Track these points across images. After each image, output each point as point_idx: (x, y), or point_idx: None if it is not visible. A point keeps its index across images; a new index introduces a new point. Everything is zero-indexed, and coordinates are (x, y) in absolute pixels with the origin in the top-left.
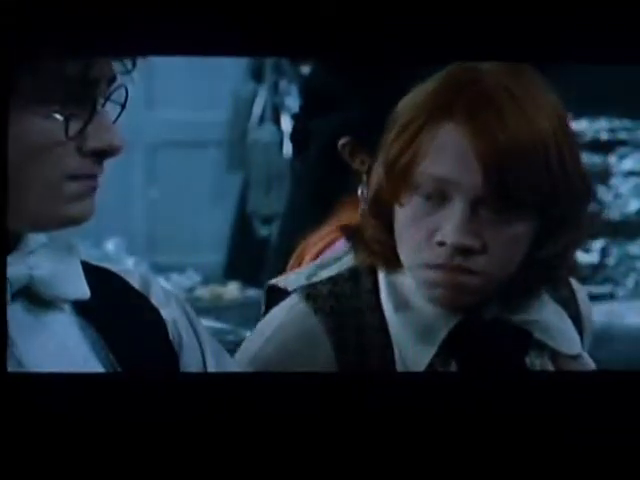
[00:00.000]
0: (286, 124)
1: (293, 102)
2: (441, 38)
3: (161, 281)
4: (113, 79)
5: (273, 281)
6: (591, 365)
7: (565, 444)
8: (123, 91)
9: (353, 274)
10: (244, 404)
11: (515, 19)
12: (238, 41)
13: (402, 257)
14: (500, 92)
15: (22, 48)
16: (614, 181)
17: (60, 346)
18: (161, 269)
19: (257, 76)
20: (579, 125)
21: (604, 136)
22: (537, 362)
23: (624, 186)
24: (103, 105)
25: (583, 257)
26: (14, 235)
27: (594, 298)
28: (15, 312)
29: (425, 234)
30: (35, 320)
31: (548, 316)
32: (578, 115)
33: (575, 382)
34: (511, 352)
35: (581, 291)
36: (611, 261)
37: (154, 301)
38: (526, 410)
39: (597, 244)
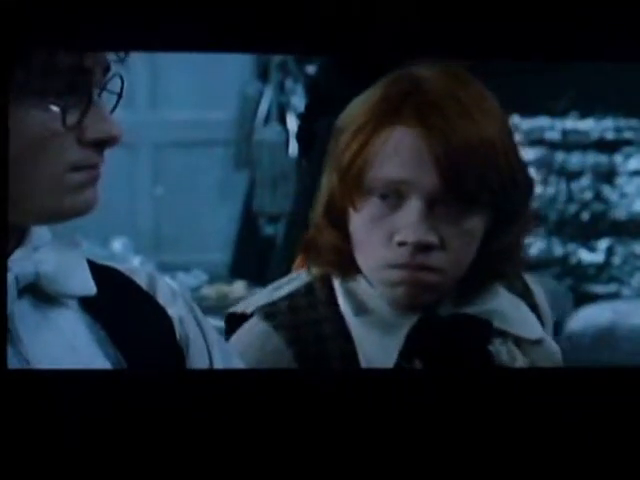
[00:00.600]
0: (292, 123)
1: (299, 101)
2: (444, 39)
3: (167, 280)
4: (108, 68)
5: (231, 309)
6: (556, 349)
7: (534, 436)
8: (119, 80)
9: (309, 288)
10: (251, 401)
11: (520, 17)
12: (240, 37)
13: (361, 261)
14: (446, 96)
15: (18, 42)
16: (619, 181)
17: (67, 343)
18: (167, 268)
19: (263, 75)
20: (585, 124)
21: (610, 135)
22: (502, 349)
23: (629, 186)
24: (99, 95)
25: (588, 256)
26: (19, 231)
27: (600, 297)
28: (22, 309)
29: (384, 236)
30: (42, 317)
31: (503, 304)
32: (584, 114)
33: (543, 374)
34: (473, 342)
35: (534, 283)
36: (617, 260)
37: (160, 299)
38: (494, 402)
39: (603, 243)
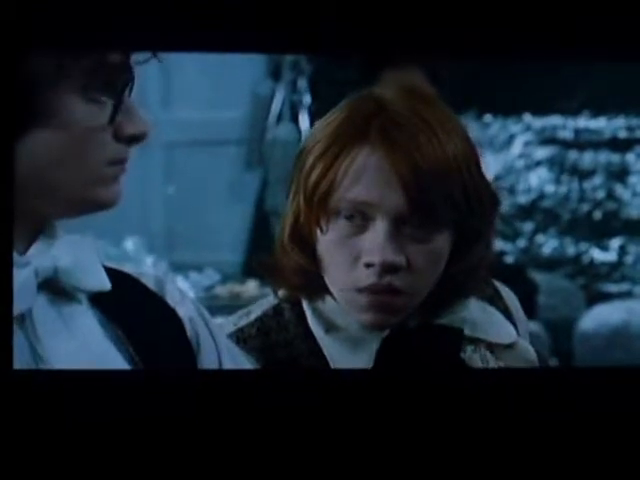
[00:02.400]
0: (304, 122)
1: (311, 100)
2: (450, 39)
3: (180, 280)
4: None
5: None
6: (530, 351)
7: (510, 441)
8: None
9: (277, 310)
10: (263, 400)
11: (526, 16)
12: (252, 36)
13: (329, 282)
14: (410, 117)
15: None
16: (632, 179)
17: (83, 340)
18: (180, 268)
19: (275, 74)
20: (597, 123)
21: (622, 134)
22: (476, 356)
23: None
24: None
25: (601, 255)
26: (37, 225)
27: (612, 296)
28: (40, 305)
29: (351, 258)
30: (58, 314)
31: (473, 312)
32: (596, 113)
33: (514, 377)
34: (445, 351)
35: (504, 288)
36: (629, 259)
37: (169, 300)
38: (466, 408)
39: (615, 242)
